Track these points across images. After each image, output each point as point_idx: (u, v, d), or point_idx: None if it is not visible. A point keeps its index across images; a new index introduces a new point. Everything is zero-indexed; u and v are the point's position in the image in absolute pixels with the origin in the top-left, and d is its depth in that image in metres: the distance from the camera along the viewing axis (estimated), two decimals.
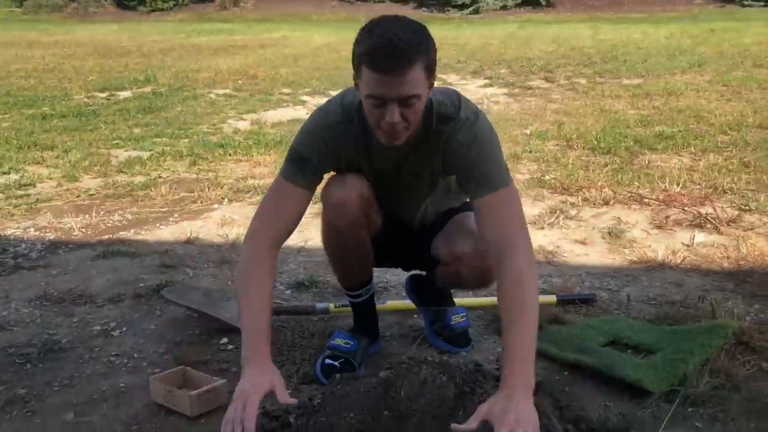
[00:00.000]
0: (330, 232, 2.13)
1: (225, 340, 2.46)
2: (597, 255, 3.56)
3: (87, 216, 3.99)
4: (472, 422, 1.55)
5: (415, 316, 2.69)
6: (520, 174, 4.79)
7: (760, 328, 2.48)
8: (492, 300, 2.86)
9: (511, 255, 1.73)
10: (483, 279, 2.18)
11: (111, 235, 3.72)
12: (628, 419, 1.84)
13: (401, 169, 2.03)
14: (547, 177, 4.73)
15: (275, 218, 1.88)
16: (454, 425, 1.55)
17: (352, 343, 2.26)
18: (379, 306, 2.71)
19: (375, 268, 2.35)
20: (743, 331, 2.38)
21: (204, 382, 2.03)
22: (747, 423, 1.92)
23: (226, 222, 3.93)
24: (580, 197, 4.30)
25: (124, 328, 2.57)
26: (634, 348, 2.38)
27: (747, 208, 4.14)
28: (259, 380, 1.62)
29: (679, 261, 3.36)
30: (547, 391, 2.04)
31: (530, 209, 4.13)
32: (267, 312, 1.77)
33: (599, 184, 4.52)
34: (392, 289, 3.09)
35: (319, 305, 2.74)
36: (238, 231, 3.76)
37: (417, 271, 2.58)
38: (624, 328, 2.51)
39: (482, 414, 1.55)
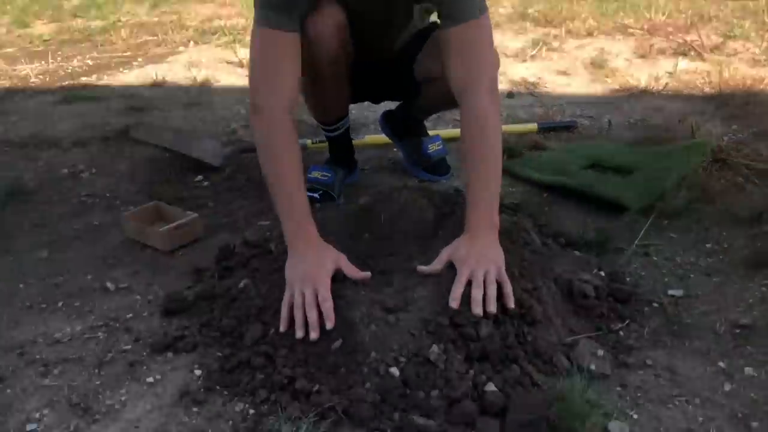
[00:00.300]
0: (309, 65, 2.01)
1: (200, 177, 2.41)
2: (579, 85, 3.50)
3: (43, 62, 3.79)
4: (436, 265, 1.49)
5: (394, 150, 2.64)
6: (503, 8, 4.59)
7: (737, 146, 2.48)
8: None
9: (473, 93, 1.61)
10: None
11: (72, 81, 3.55)
12: (605, 232, 1.85)
13: None
14: (530, 10, 4.54)
15: (281, 77, 1.60)
16: (419, 267, 1.51)
17: (329, 175, 2.21)
18: (356, 141, 2.65)
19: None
20: (721, 149, 2.38)
21: (178, 216, 2.00)
22: (719, 231, 1.95)
23: (194, 64, 3.76)
24: (563, 29, 4.16)
25: (94, 170, 2.50)
26: (614, 170, 2.37)
27: (731, 35, 4.04)
28: (322, 261, 1.46)
29: (660, 87, 3.32)
30: (526, 211, 2.04)
31: (512, 42, 3.99)
32: (303, 187, 1.57)
33: (583, 15, 4.36)
34: (371, 125, 3.03)
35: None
36: (207, 73, 3.61)
37: (390, 108, 2.50)
38: (604, 151, 2.49)
39: (446, 256, 1.50)
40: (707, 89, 3.29)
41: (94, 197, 2.30)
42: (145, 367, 1.45)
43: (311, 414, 1.25)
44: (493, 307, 1.39)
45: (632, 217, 2.00)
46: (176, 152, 2.49)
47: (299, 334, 1.39)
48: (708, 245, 1.88)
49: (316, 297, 1.41)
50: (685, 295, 1.64)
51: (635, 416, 1.27)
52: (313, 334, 1.37)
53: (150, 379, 1.41)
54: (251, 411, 1.32)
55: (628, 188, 2.13)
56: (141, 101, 3.30)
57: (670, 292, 1.65)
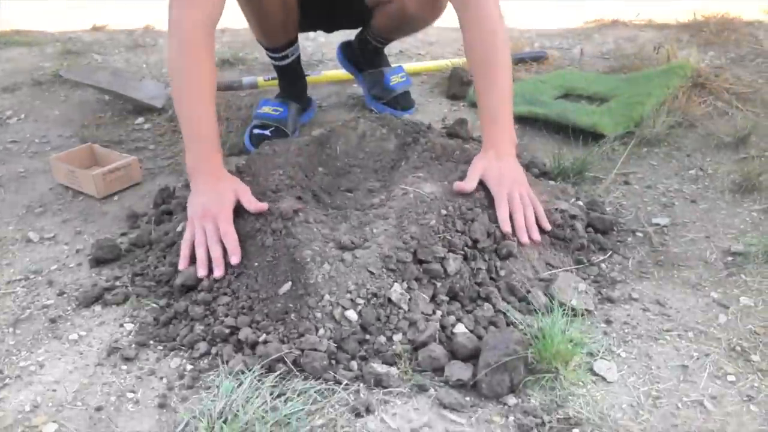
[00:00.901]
0: None
1: (140, 119, 2.19)
2: (549, 16, 3.31)
3: None
4: (470, 182, 1.35)
5: (355, 85, 2.45)
6: None
7: (716, 71, 2.33)
8: (435, 64, 2.64)
9: (481, 2, 1.48)
10: (433, 8, 1.89)
11: (4, 28, 3.26)
12: (582, 161, 1.70)
13: None
14: None
15: None
16: (456, 183, 1.35)
17: (281, 109, 2.01)
18: (313, 77, 2.46)
19: (302, 34, 2.06)
20: (699, 73, 2.23)
21: (114, 159, 1.79)
22: (702, 157, 1.81)
23: (139, 5, 3.48)
24: None
25: (23, 116, 2.27)
26: (588, 98, 2.21)
27: None
28: (223, 194, 1.33)
29: (633, 17, 3.15)
30: None
31: None
32: (213, 111, 1.38)
33: None
34: (328, 62, 2.82)
35: (247, 79, 2.47)
36: (152, 14, 3.35)
37: (347, 38, 2.30)
38: (577, 80, 2.33)
39: (478, 172, 1.37)
40: (681, 18, 3.13)
41: (21, 143, 2.07)
42: (68, 323, 1.27)
43: (257, 366, 1.08)
44: (537, 235, 1.32)
45: (610, 145, 1.84)
46: (114, 94, 2.27)
47: (201, 272, 1.26)
48: (691, 171, 1.74)
49: (218, 232, 1.28)
50: (671, 224, 1.50)
51: (623, 354, 1.13)
52: (217, 272, 1.25)
53: (73, 336, 1.23)
54: (189, 367, 1.15)
55: (604, 115, 1.98)
56: (79, 45, 3.04)
57: (655, 220, 1.51)
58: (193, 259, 1.30)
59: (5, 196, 1.75)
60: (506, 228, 1.29)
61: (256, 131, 1.97)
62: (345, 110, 2.26)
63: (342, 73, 2.47)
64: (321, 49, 2.95)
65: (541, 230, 1.35)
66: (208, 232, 1.29)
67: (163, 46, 3.06)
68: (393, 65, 2.29)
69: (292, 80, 2.10)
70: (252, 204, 1.32)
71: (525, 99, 2.18)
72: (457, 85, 2.35)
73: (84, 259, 1.46)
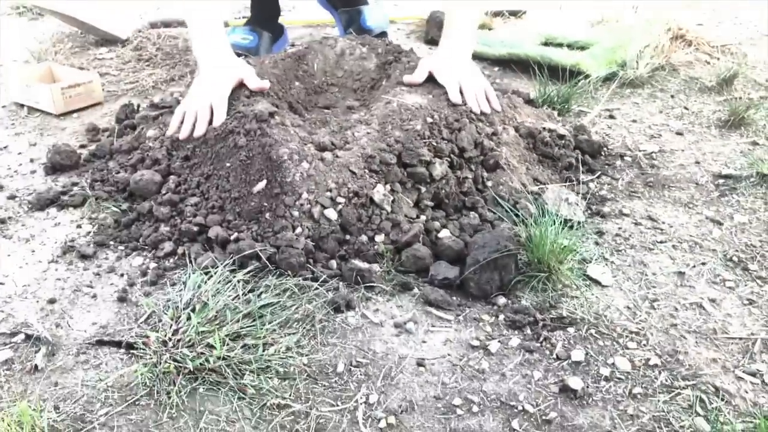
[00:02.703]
0: None
1: (104, 50, 2.07)
2: None
3: None
4: (417, 75, 1.34)
5: (330, 28, 2.36)
6: None
7: (696, 26, 2.31)
8: (412, 14, 2.57)
9: None
10: None
11: None
12: (567, 92, 1.64)
13: None
14: None
15: None
16: (405, 76, 1.34)
17: (251, 38, 1.92)
18: (288, 20, 2.36)
19: None
20: (680, 26, 2.20)
21: (74, 77, 1.67)
22: (686, 98, 1.77)
23: None
24: None
25: None
26: (569, 46, 2.16)
27: None
28: (228, 71, 1.30)
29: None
30: None
31: None
32: (219, 20, 1.39)
33: None
34: (302, 7, 2.72)
35: None
36: None
37: None
38: (558, 29, 2.27)
39: (426, 66, 1.35)
40: None
41: None
42: (20, 224, 1.17)
43: (228, 261, 0.99)
44: (486, 108, 1.29)
45: (594, 85, 1.80)
46: (78, 22, 2.14)
47: (183, 132, 1.23)
48: (676, 110, 1.70)
49: (210, 108, 1.24)
50: (660, 151, 1.45)
51: (617, 261, 1.08)
52: (200, 128, 1.21)
53: (25, 236, 1.13)
54: (152, 265, 1.06)
55: (586, 57, 1.93)
56: None
57: (643, 147, 1.46)
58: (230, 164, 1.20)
59: None
60: (456, 99, 1.26)
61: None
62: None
63: (317, 17, 2.38)
64: None
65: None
66: (202, 101, 1.25)
67: None
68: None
69: (263, 4, 2.00)
70: (253, 83, 1.30)
71: (504, 44, 2.13)
72: (435, 29, 2.27)
73: (38, 167, 1.36)
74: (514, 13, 2.63)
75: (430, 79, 1.43)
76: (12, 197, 1.24)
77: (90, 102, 1.66)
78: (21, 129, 1.53)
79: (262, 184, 1.10)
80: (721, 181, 1.32)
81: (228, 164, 1.16)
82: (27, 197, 1.24)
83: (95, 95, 1.67)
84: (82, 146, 1.45)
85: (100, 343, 0.90)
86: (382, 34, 2.14)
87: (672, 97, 1.79)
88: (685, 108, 1.71)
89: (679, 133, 1.55)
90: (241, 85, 1.30)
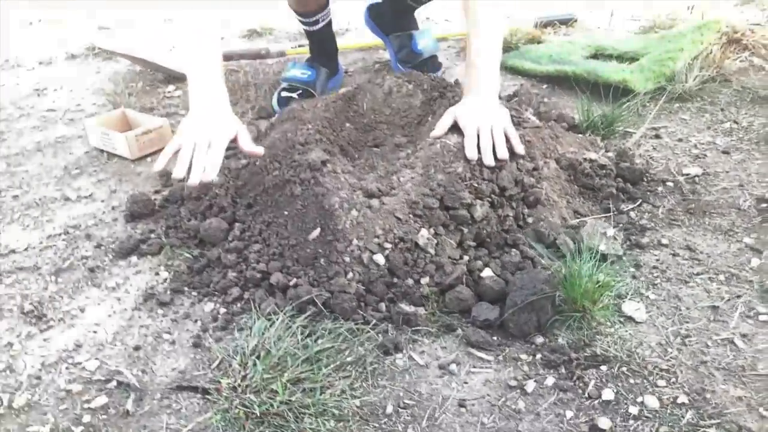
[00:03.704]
0: None
1: (172, 87, 2.23)
2: None
3: None
4: (440, 128, 1.35)
5: (381, 52, 2.45)
6: None
7: (752, 27, 2.28)
8: (462, 31, 2.62)
9: None
10: None
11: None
12: (611, 115, 1.68)
13: None
14: None
15: None
16: (433, 132, 1.36)
17: (309, 73, 2.03)
18: (341, 44, 2.46)
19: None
20: (735, 29, 2.18)
21: (146, 123, 1.83)
22: (737, 111, 1.78)
23: None
24: None
25: (60, 87, 2.32)
26: (618, 58, 2.18)
27: None
28: (224, 125, 1.33)
29: None
30: (525, 100, 1.86)
31: None
32: (218, 55, 1.41)
33: None
34: (354, 30, 2.83)
35: (275, 47, 2.49)
36: None
37: (374, 1, 2.30)
38: (607, 40, 2.29)
39: (450, 116, 1.37)
40: None
41: (58, 111, 2.12)
42: (106, 272, 1.31)
43: (288, 308, 1.10)
44: (503, 154, 1.28)
45: (640, 101, 1.82)
46: (146, 62, 2.31)
47: (178, 172, 1.22)
48: (725, 125, 1.71)
49: (207, 148, 1.26)
50: (703, 173, 1.48)
51: (652, 296, 1.13)
52: (193, 179, 1.21)
53: (111, 284, 1.27)
54: (222, 310, 1.18)
55: (634, 72, 1.95)
56: (110, 22, 3.08)
57: (686, 170, 1.49)
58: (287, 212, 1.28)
59: (43, 160, 1.79)
60: (470, 154, 1.26)
61: (284, 94, 1.98)
62: (372, 75, 2.27)
63: (369, 41, 2.47)
64: (347, 17, 2.95)
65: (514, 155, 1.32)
66: (199, 145, 1.26)
67: None
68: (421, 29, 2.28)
69: (322, 45, 2.11)
70: (247, 146, 1.32)
71: (553, 59, 2.17)
72: None
73: (119, 214, 1.50)
74: (564, 22, 2.65)
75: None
76: (98, 246, 1.39)
77: (161, 145, 1.80)
78: (102, 176, 1.69)
79: (316, 232, 1.21)
80: (764, 205, 1.34)
81: (286, 212, 1.27)
82: (111, 245, 1.39)
83: (166, 139, 1.81)
84: (157, 191, 1.59)
85: (180, 388, 1.02)
86: (433, 57, 2.21)
87: (722, 110, 1.80)
88: (735, 122, 1.71)
89: (725, 152, 1.57)
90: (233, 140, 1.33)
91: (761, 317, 1.06)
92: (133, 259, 1.34)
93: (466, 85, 1.43)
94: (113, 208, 1.54)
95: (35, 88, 2.33)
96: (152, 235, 1.40)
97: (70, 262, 1.35)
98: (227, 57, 2.40)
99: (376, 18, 2.32)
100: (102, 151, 1.81)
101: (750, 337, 1.03)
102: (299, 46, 2.44)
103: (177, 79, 2.27)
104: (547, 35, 2.50)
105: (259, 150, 1.34)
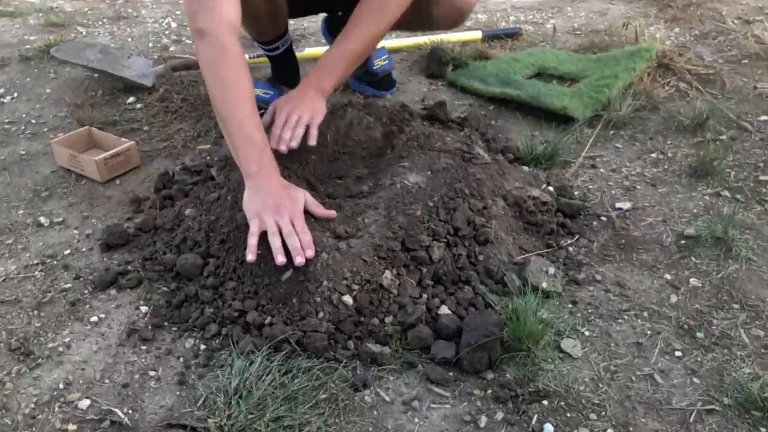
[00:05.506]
0: None
1: (132, 99, 2.27)
2: None
3: None
4: (266, 117, 1.57)
5: None
6: None
7: (679, 50, 2.48)
8: (415, 41, 2.73)
9: None
10: (459, 16, 1.98)
11: None
12: (553, 145, 1.84)
13: None
14: None
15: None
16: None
17: (271, 92, 2.11)
18: (299, 54, 2.53)
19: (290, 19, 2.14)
20: (664, 54, 2.36)
21: (113, 144, 1.89)
22: (663, 140, 1.96)
23: None
24: None
25: (15, 94, 2.33)
26: (560, 78, 2.34)
27: None
28: (295, 196, 1.38)
29: None
30: (473, 125, 2.00)
31: None
32: (258, 116, 1.43)
33: None
34: (310, 37, 2.90)
35: None
36: None
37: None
38: (550, 59, 2.45)
39: (271, 108, 1.59)
40: None
41: (18, 123, 2.15)
42: (87, 306, 1.39)
43: (264, 347, 1.22)
44: (294, 143, 1.51)
45: (578, 129, 1.99)
46: (104, 72, 2.34)
47: (280, 259, 1.28)
48: (653, 155, 1.89)
49: (292, 226, 1.32)
50: (633, 208, 1.65)
51: (586, 333, 1.29)
52: (300, 259, 1.27)
53: (94, 318, 1.36)
54: (202, 346, 1.29)
55: (574, 97, 2.11)
56: (61, 17, 3.06)
57: (618, 205, 1.66)
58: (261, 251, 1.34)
59: (10, 180, 1.84)
60: (272, 143, 1.47)
61: None
62: (332, 101, 2.35)
63: (324, 50, 2.54)
64: (303, 23, 3.01)
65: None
66: (284, 226, 1.31)
67: (139, 18, 3.09)
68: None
69: (283, 67, 2.18)
70: (319, 210, 1.40)
71: (499, 79, 2.31)
72: (435, 65, 2.46)
73: (94, 243, 1.58)
74: (510, 35, 2.79)
75: (430, 147, 1.63)
76: (77, 277, 1.47)
77: (129, 167, 1.87)
78: (73, 199, 1.75)
79: (288, 274, 1.32)
80: (682, 242, 1.52)
81: (259, 252, 1.37)
82: (89, 277, 1.47)
83: (133, 161, 1.88)
84: (129, 218, 1.67)
85: (170, 426, 1.13)
86: (387, 76, 2.32)
87: (650, 139, 1.97)
88: (661, 152, 1.90)
89: (652, 185, 1.75)
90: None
91: (676, 353, 1.24)
92: (113, 292, 1.43)
93: (308, 75, 1.63)
94: (87, 236, 1.61)
95: None
96: (129, 267, 1.49)
97: (51, 295, 1.42)
98: (186, 66, 2.44)
99: (333, 31, 2.40)
100: (69, 171, 1.86)
101: (667, 372, 1.20)
102: (258, 56, 2.49)
103: (136, 88, 2.31)
104: (495, 50, 2.63)
105: (332, 213, 1.41)
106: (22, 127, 2.12)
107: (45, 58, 2.59)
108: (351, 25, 1.61)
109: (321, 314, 1.28)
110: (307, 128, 1.55)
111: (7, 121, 2.16)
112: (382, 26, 1.62)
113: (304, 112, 1.55)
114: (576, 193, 1.71)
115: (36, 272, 1.49)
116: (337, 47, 1.62)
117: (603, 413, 1.13)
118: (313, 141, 1.54)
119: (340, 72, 1.63)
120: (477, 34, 2.73)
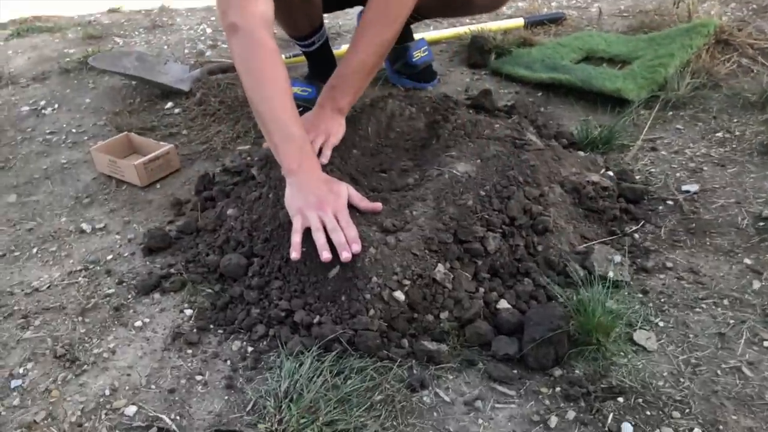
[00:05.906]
0: None
1: (170, 104, 2.24)
2: None
3: None
4: None
5: None
6: None
7: (738, 25, 2.33)
8: (455, 31, 2.65)
9: None
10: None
11: (22, 14, 3.29)
12: (608, 129, 1.73)
13: None
14: None
15: None
16: None
17: (309, 90, 2.05)
18: (337, 52, 2.48)
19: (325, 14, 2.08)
20: (722, 29, 2.23)
21: (152, 148, 1.85)
22: (729, 118, 1.83)
23: None
24: None
25: (56, 106, 2.33)
26: (610, 60, 2.23)
27: None
28: (338, 190, 1.32)
29: None
30: (521, 113, 1.91)
31: None
32: (296, 111, 1.38)
33: None
34: (346, 34, 2.84)
35: None
36: None
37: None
38: (597, 42, 2.33)
39: None
40: None
41: (59, 133, 2.14)
42: (131, 311, 1.35)
43: (314, 348, 1.15)
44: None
45: (635, 111, 1.87)
46: (141, 79, 2.32)
47: (326, 255, 1.21)
48: (719, 134, 1.76)
49: (336, 222, 1.26)
50: (701, 190, 1.53)
51: (661, 324, 1.19)
52: (346, 254, 1.20)
53: (138, 323, 1.31)
54: (249, 348, 1.22)
55: (627, 79, 2.00)
56: (99, 29, 3.07)
57: (684, 187, 1.55)
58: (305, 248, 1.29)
59: (53, 189, 1.82)
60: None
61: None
62: (369, 85, 2.29)
63: None
64: (339, 21, 2.96)
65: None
66: (329, 222, 1.25)
67: (176, 24, 3.08)
68: (415, 38, 2.30)
69: (320, 63, 2.13)
70: (364, 203, 1.34)
71: (546, 65, 2.21)
72: (477, 54, 2.37)
73: (136, 248, 1.54)
74: (553, 21, 2.68)
75: (478, 135, 1.55)
76: (120, 282, 1.43)
77: (169, 170, 1.83)
78: (114, 204, 1.72)
79: (335, 270, 1.25)
80: (761, 224, 1.40)
81: (304, 248, 1.31)
82: (132, 281, 1.43)
83: (173, 164, 1.84)
84: (170, 221, 1.62)
85: None
86: (428, 68, 2.24)
87: (714, 118, 1.85)
88: (728, 131, 1.77)
89: (721, 165, 1.63)
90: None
91: (765, 343, 1.13)
92: (156, 295, 1.38)
93: (321, 94, 1.59)
94: (129, 240, 1.57)
95: (32, 107, 2.33)
96: (172, 270, 1.44)
97: (94, 301, 1.38)
98: (222, 70, 2.41)
99: None
100: (110, 177, 1.83)
101: (756, 364, 1.09)
102: (295, 55, 2.45)
103: (174, 93, 2.28)
104: (539, 36, 2.53)
105: (377, 205, 1.34)
106: (63, 137, 2.10)
107: (84, 69, 2.59)
108: (357, 36, 1.56)
109: (372, 312, 1.20)
110: (321, 148, 1.50)
111: (48, 131, 2.15)
112: (389, 32, 1.55)
113: (318, 136, 1.51)
114: (637, 177, 1.60)
115: (79, 278, 1.46)
116: (346, 61, 1.57)
117: (687, 411, 1.02)
118: (324, 160, 1.46)
119: (354, 86, 1.57)
120: (519, 21, 2.63)
